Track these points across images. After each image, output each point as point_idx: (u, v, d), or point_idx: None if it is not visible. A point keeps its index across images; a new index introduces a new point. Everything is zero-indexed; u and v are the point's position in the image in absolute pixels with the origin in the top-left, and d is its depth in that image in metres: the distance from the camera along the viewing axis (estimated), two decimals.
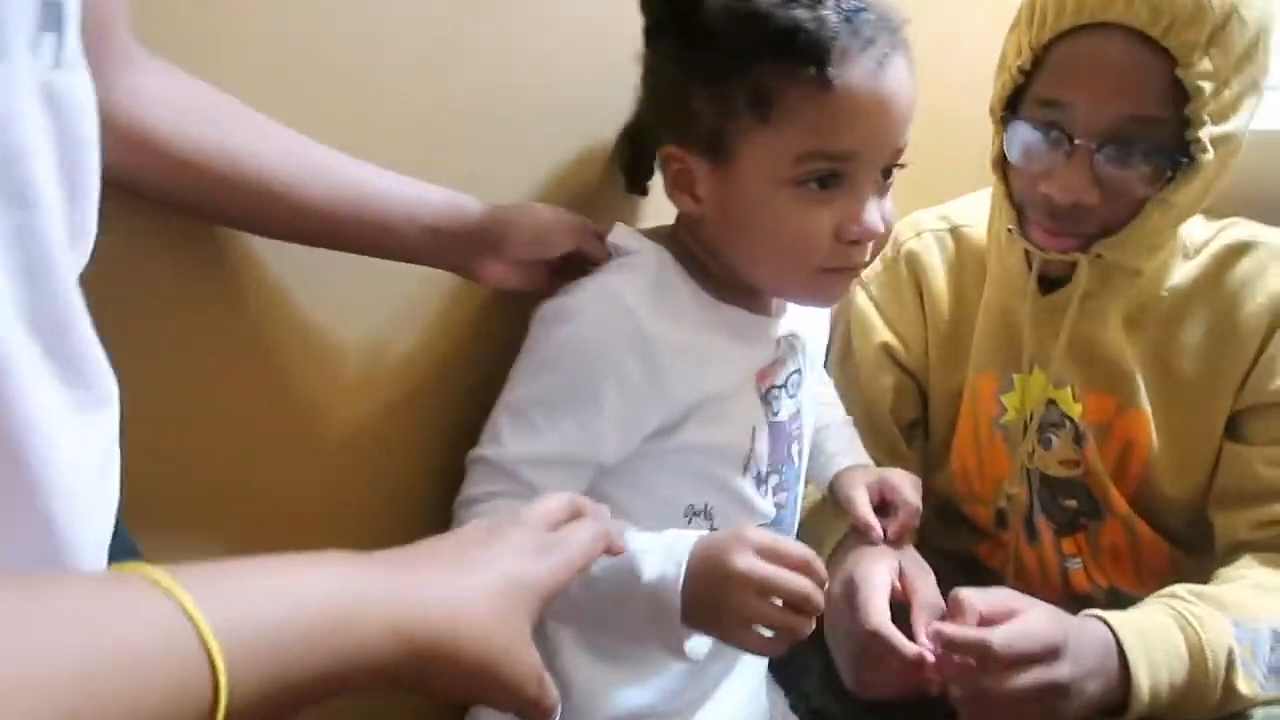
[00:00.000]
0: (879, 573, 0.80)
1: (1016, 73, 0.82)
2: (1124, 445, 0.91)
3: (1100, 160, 0.78)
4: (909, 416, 1.02)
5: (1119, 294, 0.86)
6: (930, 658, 0.73)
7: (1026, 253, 0.87)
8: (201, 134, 0.60)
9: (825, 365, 0.96)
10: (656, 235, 0.79)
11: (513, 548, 0.49)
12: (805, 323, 0.84)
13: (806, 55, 0.66)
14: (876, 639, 0.75)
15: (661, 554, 0.66)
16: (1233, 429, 0.88)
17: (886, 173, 0.72)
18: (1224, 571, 0.84)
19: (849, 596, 0.79)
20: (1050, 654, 0.71)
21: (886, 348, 1.00)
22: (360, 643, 0.39)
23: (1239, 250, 0.88)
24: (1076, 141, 0.79)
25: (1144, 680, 0.73)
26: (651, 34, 0.75)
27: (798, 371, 0.83)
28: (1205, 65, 0.75)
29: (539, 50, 0.82)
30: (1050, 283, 0.88)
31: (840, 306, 1.03)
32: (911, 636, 0.75)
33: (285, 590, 0.38)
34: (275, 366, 0.72)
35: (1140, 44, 0.76)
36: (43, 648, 0.30)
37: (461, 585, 0.45)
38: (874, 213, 0.71)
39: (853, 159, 0.70)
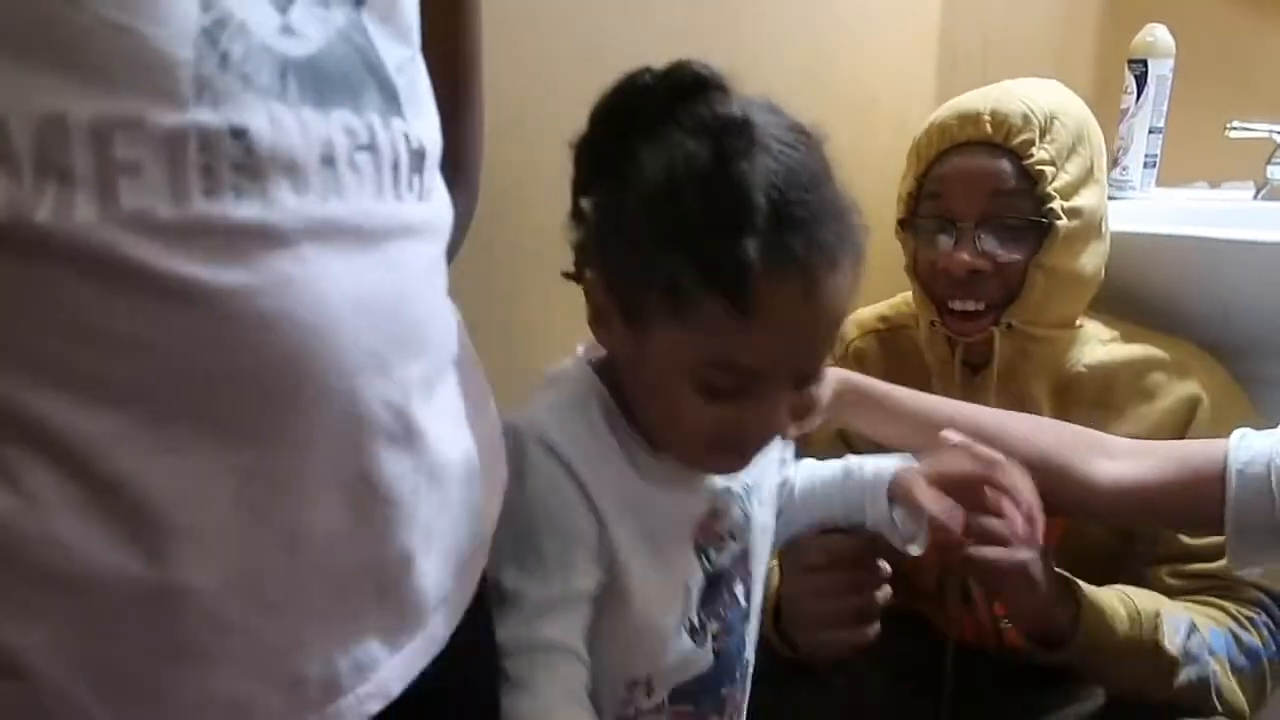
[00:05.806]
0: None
1: (908, 196, 1.06)
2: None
3: (981, 235, 1.00)
4: None
5: (1040, 368, 1.03)
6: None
7: (949, 340, 1.04)
8: None
9: None
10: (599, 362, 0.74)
11: None
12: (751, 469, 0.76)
13: (724, 282, 0.60)
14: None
15: None
16: None
17: (798, 384, 0.67)
18: None
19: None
20: None
21: (841, 434, 1.11)
22: None
23: (1154, 364, 1.05)
24: (959, 225, 1.01)
25: (1090, 611, 0.90)
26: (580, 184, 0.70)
27: (746, 516, 0.79)
28: (1042, 154, 0.99)
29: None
30: (976, 366, 1.05)
31: None
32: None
33: None
34: None
35: (993, 151, 1.00)
36: None
37: None
38: (774, 418, 0.67)
39: (759, 378, 0.64)
